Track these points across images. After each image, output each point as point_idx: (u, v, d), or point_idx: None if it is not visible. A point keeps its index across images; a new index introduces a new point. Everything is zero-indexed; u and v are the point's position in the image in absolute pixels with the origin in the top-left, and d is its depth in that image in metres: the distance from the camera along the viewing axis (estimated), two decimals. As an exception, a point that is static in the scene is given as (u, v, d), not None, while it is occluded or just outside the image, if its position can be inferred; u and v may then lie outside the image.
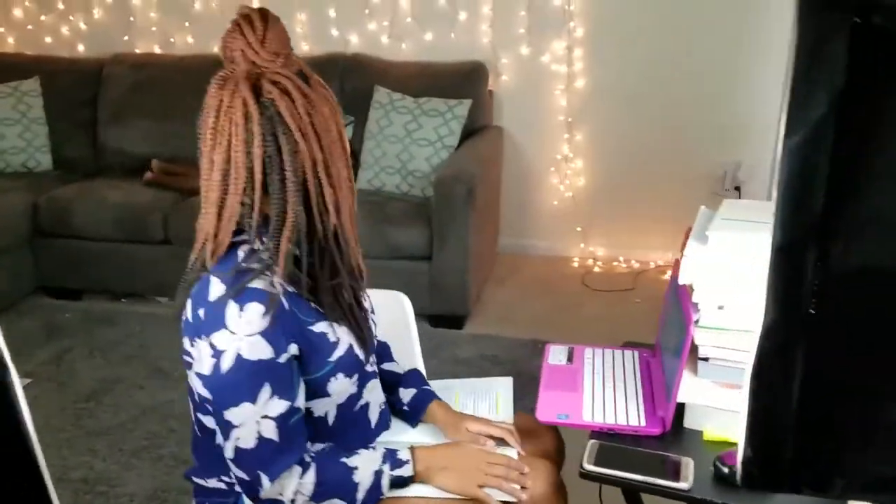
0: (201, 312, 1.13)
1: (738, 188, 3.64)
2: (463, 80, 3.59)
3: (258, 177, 1.09)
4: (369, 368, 1.33)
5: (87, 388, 2.80)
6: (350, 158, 1.19)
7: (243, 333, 1.09)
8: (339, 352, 1.20)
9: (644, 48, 3.59)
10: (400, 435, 1.41)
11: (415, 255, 3.20)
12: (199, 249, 1.17)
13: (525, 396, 1.55)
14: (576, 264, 3.90)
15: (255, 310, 1.09)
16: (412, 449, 1.28)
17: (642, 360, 1.53)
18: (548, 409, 1.38)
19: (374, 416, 1.36)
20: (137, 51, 4.04)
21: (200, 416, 1.25)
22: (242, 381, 1.10)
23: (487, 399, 1.54)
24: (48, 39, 4.17)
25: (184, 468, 1.47)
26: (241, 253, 1.15)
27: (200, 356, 1.13)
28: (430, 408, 1.42)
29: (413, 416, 1.44)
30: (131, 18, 4.00)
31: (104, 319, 3.34)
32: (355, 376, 1.26)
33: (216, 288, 1.12)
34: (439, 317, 3.23)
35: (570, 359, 1.54)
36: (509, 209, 3.86)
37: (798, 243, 0.62)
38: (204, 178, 1.14)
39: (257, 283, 1.11)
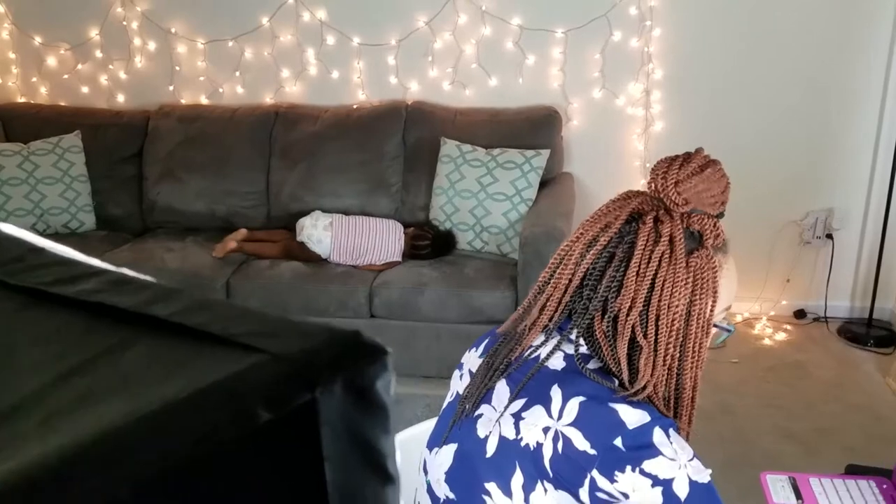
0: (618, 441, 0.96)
1: (829, 236, 3.43)
2: (536, 128, 3.38)
3: (574, 280, 1.03)
4: None
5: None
6: (699, 358, 1.05)
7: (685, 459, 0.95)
8: None
9: (727, 90, 3.39)
10: None
11: (496, 319, 2.98)
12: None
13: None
14: (654, 317, 3.68)
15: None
16: None
17: (886, 495, 1.31)
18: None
19: None
20: (183, 101, 3.83)
21: None
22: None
23: None
24: (85, 90, 3.96)
25: None
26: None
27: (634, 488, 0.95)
28: None
29: None
30: (177, 67, 3.80)
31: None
32: None
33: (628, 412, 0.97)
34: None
35: (797, 495, 1.32)
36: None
37: None
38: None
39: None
